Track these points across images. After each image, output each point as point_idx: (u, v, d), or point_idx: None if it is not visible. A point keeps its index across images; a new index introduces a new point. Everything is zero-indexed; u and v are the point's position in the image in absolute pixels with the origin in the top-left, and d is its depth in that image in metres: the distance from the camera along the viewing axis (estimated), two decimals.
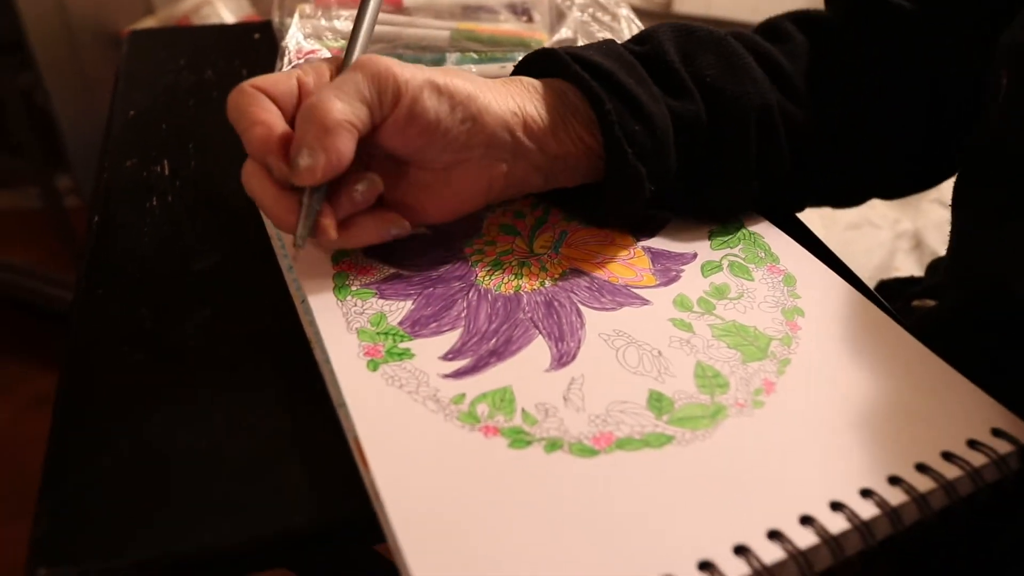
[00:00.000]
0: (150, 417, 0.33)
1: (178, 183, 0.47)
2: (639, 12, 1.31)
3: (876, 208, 0.77)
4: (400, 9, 0.62)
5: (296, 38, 0.54)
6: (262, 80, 0.35)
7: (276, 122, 0.34)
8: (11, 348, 1.42)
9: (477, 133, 0.36)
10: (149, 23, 1.10)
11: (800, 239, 0.44)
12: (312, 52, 0.54)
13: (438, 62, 0.56)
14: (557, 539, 0.27)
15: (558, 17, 0.62)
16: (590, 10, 0.62)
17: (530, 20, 0.63)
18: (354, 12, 0.59)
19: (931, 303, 0.48)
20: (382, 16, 0.60)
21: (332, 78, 0.37)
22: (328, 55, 0.55)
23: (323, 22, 0.57)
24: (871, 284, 0.68)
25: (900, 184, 0.50)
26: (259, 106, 0.34)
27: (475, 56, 0.56)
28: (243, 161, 0.36)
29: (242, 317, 0.38)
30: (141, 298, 0.39)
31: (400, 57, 0.56)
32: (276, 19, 0.62)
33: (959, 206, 0.42)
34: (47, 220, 1.24)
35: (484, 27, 0.60)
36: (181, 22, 1.08)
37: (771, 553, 0.27)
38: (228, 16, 1.09)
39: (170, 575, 0.29)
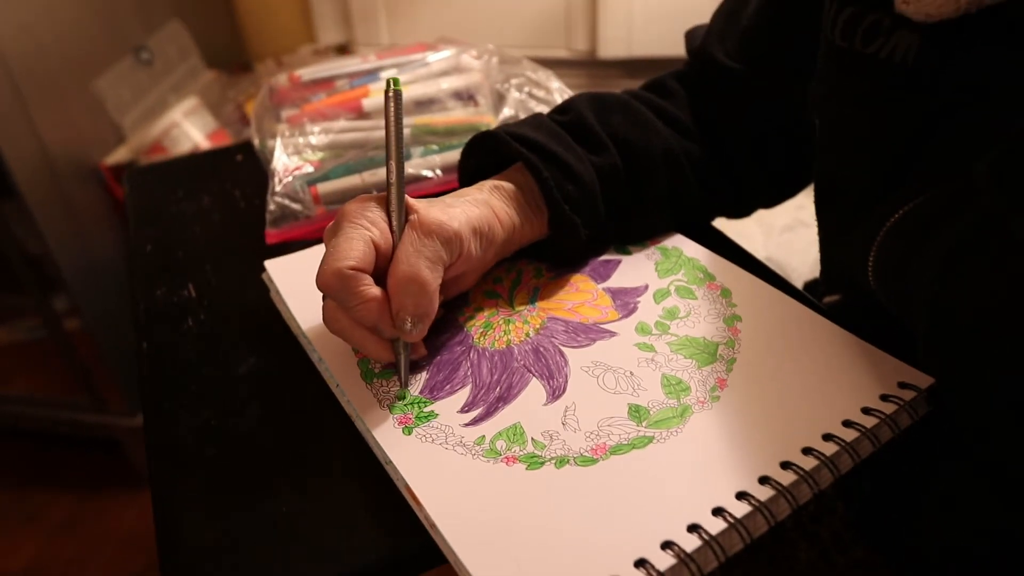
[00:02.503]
0: (236, 497, 0.41)
1: (206, 302, 0.55)
2: (567, 62, 1.42)
3: (806, 209, 0.87)
4: (361, 114, 0.71)
5: (282, 160, 0.63)
6: (352, 258, 0.40)
7: (379, 295, 0.41)
8: (31, 477, 1.47)
9: (489, 250, 0.47)
10: (123, 153, 1.19)
11: (732, 252, 0.53)
12: (298, 168, 0.63)
13: (405, 157, 0.65)
14: (577, 528, 0.35)
15: (499, 98, 0.71)
16: (526, 88, 0.71)
17: (476, 105, 0.72)
18: (324, 124, 0.68)
19: (837, 297, 0.57)
20: (348, 124, 0.69)
21: (389, 221, 0.43)
22: (311, 168, 0.64)
23: (300, 139, 0.66)
24: (813, 274, 0.77)
25: (774, 195, 0.61)
26: (363, 284, 0.41)
27: (435, 147, 0.65)
28: (254, 273, 0.44)
29: (287, 405, 0.46)
30: (202, 404, 0.47)
31: (372, 160, 0.65)
32: (256, 142, 0.70)
33: (818, 219, 0.51)
34: (47, 347, 1.30)
35: (438, 119, 0.69)
36: (154, 147, 1.16)
37: (741, 509, 0.35)
38: (197, 135, 1.18)
39: None
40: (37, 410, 1.37)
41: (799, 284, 0.64)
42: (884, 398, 0.41)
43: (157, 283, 0.58)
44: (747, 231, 0.85)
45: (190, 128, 1.17)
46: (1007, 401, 0.37)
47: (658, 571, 0.33)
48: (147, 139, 1.16)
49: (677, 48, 0.64)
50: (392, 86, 0.43)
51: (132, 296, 0.58)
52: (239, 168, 0.74)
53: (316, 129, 0.67)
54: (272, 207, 0.61)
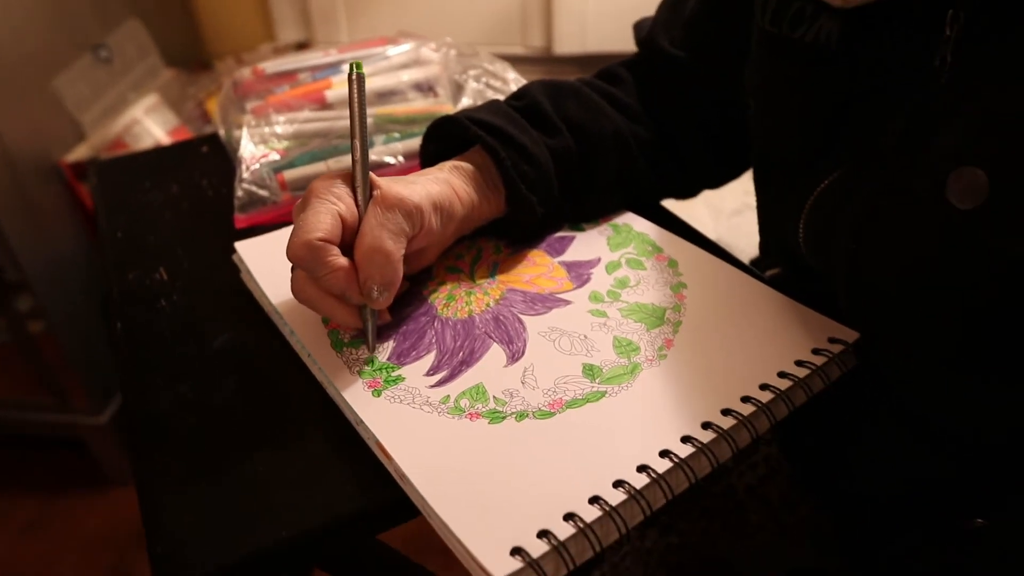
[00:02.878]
0: (215, 462, 0.43)
1: (178, 284, 0.57)
2: (524, 58, 1.46)
3: (752, 194, 0.91)
4: (325, 105, 0.73)
5: (248, 148, 0.65)
6: (320, 230, 0.43)
7: (347, 264, 0.43)
8: None
9: (449, 225, 0.49)
10: (83, 150, 1.19)
11: (682, 230, 0.57)
12: (264, 155, 0.65)
13: (368, 145, 0.68)
14: (536, 473, 0.38)
15: (458, 89, 0.74)
16: (484, 79, 0.74)
17: (435, 95, 0.75)
18: (289, 114, 0.70)
19: (777, 270, 0.61)
20: (312, 114, 0.71)
21: (354, 195, 0.45)
22: (276, 156, 0.66)
23: (266, 129, 0.68)
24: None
25: (719, 176, 0.65)
26: (331, 254, 0.43)
27: (397, 135, 0.68)
28: (225, 255, 0.46)
29: (261, 376, 0.49)
30: (178, 378, 0.49)
31: (336, 148, 0.67)
32: (223, 132, 0.72)
33: (756, 195, 0.55)
34: (11, 349, 1.30)
35: (399, 109, 0.72)
36: (116, 144, 1.17)
37: (686, 451, 0.39)
38: (158, 132, 1.18)
39: (266, 562, 0.39)
40: (1, 411, 1.37)
41: (745, 261, 0.68)
42: (815, 352, 0.44)
43: (129, 268, 0.60)
44: (697, 214, 0.89)
45: (151, 125, 1.18)
46: (922, 349, 0.41)
47: (610, 506, 0.36)
48: (108, 136, 1.17)
49: (630, 44, 0.68)
50: (355, 69, 0.45)
51: (104, 280, 0.60)
52: (205, 159, 0.76)
53: (281, 119, 0.70)
54: (240, 193, 0.63)
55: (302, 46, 1.47)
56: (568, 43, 1.40)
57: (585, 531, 0.35)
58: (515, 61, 1.48)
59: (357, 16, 1.48)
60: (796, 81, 0.46)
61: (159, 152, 0.80)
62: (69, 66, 1.19)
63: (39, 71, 1.15)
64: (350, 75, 0.45)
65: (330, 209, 0.44)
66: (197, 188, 0.70)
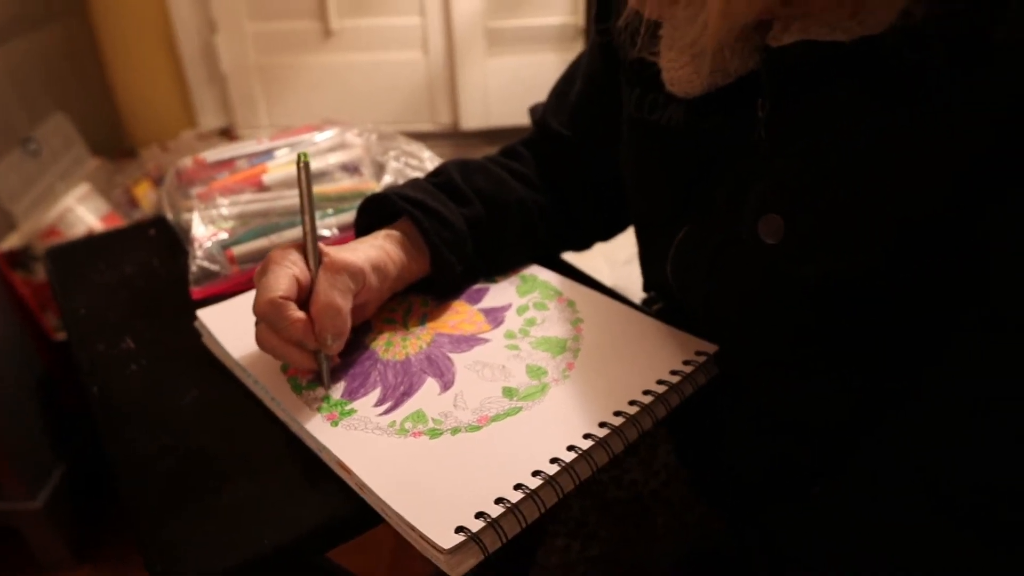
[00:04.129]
0: (196, 495, 0.51)
1: (145, 350, 0.65)
2: (434, 135, 1.58)
3: None
4: (263, 188, 0.83)
5: (199, 229, 0.74)
6: (281, 289, 0.52)
7: (304, 317, 0.53)
8: None
9: (385, 283, 0.59)
10: (15, 239, 1.24)
11: (579, 277, 0.68)
12: (214, 235, 0.74)
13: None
14: (471, 473, 0.48)
15: (379, 168, 0.85)
16: (402, 159, 0.86)
17: (361, 175, 0.86)
18: (232, 197, 0.80)
19: (660, 305, 0.73)
20: (252, 196, 0.81)
21: (307, 262, 0.55)
22: (224, 235, 0.75)
23: (212, 211, 0.77)
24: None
25: (607, 231, 0.77)
26: (291, 309, 0.53)
27: (331, 211, 0.78)
28: (184, 324, 0.56)
29: (229, 422, 0.57)
30: (155, 430, 0.56)
31: (276, 225, 0.77)
32: (171, 216, 0.81)
33: (637, 242, 0.68)
34: None
35: (329, 188, 0.82)
36: (50, 232, 1.22)
37: (587, 444, 0.49)
38: (91, 218, 1.24)
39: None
40: None
41: (637, 301, 0.80)
42: (685, 363, 0.56)
43: (96, 340, 0.67)
44: (595, 264, 1.02)
45: (84, 212, 1.24)
46: (761, 357, 0.53)
47: (531, 489, 0.46)
48: (41, 225, 1.22)
49: (527, 118, 0.80)
50: (302, 159, 0.56)
51: (74, 352, 0.67)
52: (153, 240, 0.83)
53: (226, 202, 0.79)
54: (195, 269, 0.71)
55: (225, 132, 1.55)
56: (473, 119, 1.53)
57: (512, 510, 0.45)
58: (426, 137, 1.61)
59: (275, 102, 1.58)
60: (655, 155, 0.59)
61: (110, 236, 0.88)
62: (0, 160, 1.24)
63: None
64: (298, 163, 0.56)
65: (288, 272, 0.53)
66: (149, 267, 0.78)
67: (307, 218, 0.56)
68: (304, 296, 0.55)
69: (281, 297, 0.52)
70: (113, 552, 1.42)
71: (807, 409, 0.54)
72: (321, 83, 1.56)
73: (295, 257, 0.55)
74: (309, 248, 0.56)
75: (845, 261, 0.44)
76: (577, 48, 0.70)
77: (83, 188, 1.30)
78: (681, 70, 0.51)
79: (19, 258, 1.21)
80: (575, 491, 0.49)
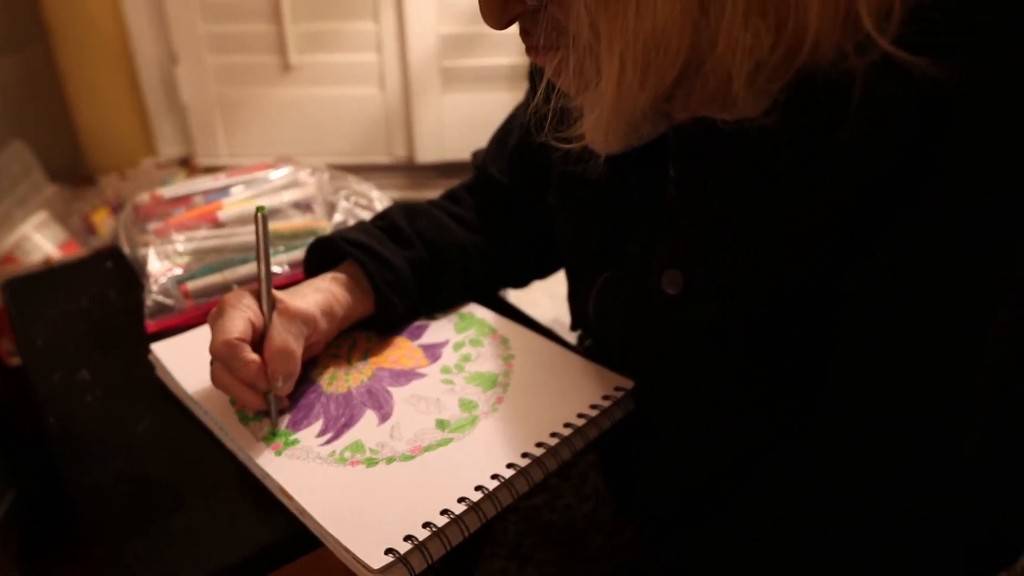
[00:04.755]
0: (152, 517, 0.55)
1: (100, 381, 0.69)
2: (389, 167, 1.63)
3: None
4: (218, 224, 0.87)
5: (155, 264, 0.78)
6: (237, 332, 0.57)
7: (258, 359, 0.57)
8: None
9: (333, 324, 0.64)
10: None
11: (514, 315, 0.74)
12: (169, 270, 0.78)
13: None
14: (403, 498, 0.52)
15: (330, 207, 0.90)
16: (352, 198, 0.90)
17: (312, 212, 0.90)
18: (188, 233, 0.83)
19: (589, 341, 0.79)
20: (207, 232, 0.85)
21: (260, 305, 0.60)
22: (179, 271, 0.79)
23: (168, 247, 0.81)
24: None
25: (542, 269, 0.83)
26: (245, 351, 0.57)
27: (282, 248, 0.82)
28: (138, 356, 0.62)
29: (181, 450, 0.61)
30: (110, 455, 0.60)
31: (230, 260, 0.81)
32: (127, 250, 0.84)
33: (567, 283, 0.73)
34: None
35: (283, 225, 0.86)
36: (6, 259, 1.24)
37: (509, 472, 0.54)
38: (48, 246, 1.26)
39: None
40: None
41: (574, 337, 0.86)
42: (605, 397, 0.62)
43: (53, 370, 0.70)
44: (536, 298, 1.07)
45: (42, 240, 1.26)
46: (668, 392, 0.59)
47: (455, 515, 0.51)
48: None
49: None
50: (259, 212, 0.60)
51: (29, 382, 0.70)
52: (110, 273, 0.87)
53: (181, 238, 0.83)
54: (150, 303, 0.75)
55: (184, 161, 1.59)
56: (428, 153, 1.59)
57: (438, 534, 0.50)
58: (382, 170, 1.66)
59: (234, 131, 1.62)
60: (578, 205, 0.64)
61: (67, 268, 0.91)
62: None
63: None
64: (256, 216, 0.60)
65: (243, 315, 0.58)
66: (105, 299, 0.82)
67: (263, 266, 0.60)
68: (257, 339, 0.59)
69: (237, 339, 0.56)
70: None
71: (712, 442, 0.59)
72: (280, 115, 1.60)
73: (249, 301, 0.59)
74: (264, 293, 0.60)
75: (731, 311, 0.49)
76: (528, 86, 0.76)
77: (40, 216, 1.32)
78: (599, 131, 0.57)
79: (3, 284, 1.23)
80: (497, 516, 0.53)
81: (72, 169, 1.60)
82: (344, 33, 1.52)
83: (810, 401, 0.50)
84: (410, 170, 1.65)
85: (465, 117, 1.57)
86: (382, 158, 1.64)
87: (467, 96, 1.55)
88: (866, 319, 0.45)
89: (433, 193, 1.64)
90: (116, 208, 1.50)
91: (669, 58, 0.38)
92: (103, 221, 1.46)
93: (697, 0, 0.36)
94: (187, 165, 1.58)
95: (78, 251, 1.32)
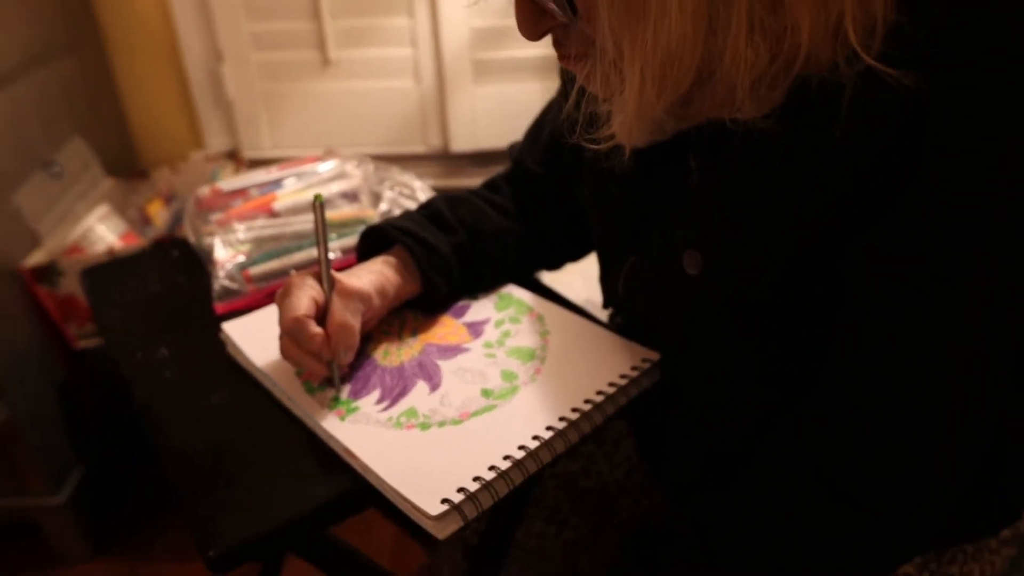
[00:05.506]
0: (229, 474, 0.62)
1: (177, 358, 0.76)
2: (424, 156, 1.70)
3: None
4: (273, 213, 0.94)
5: (221, 252, 0.85)
6: (303, 309, 0.64)
7: (322, 332, 0.64)
8: None
9: (384, 302, 0.71)
10: (40, 255, 1.34)
11: (549, 295, 0.80)
12: (233, 256, 0.85)
13: (312, 244, 0.89)
14: (455, 456, 0.59)
15: (376, 197, 0.97)
16: (396, 188, 0.97)
17: (359, 202, 0.97)
18: (247, 223, 0.91)
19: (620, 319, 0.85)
20: (265, 222, 0.92)
21: (320, 286, 0.66)
22: (242, 258, 0.86)
23: (231, 236, 0.88)
24: None
25: (576, 253, 0.88)
26: (311, 326, 0.64)
27: (335, 236, 0.89)
28: (209, 335, 0.69)
29: (254, 417, 0.68)
30: (189, 423, 0.68)
31: (287, 247, 0.88)
32: (193, 239, 0.92)
33: (599, 266, 0.79)
34: None
35: (333, 215, 0.93)
36: (73, 249, 1.33)
37: (548, 434, 0.60)
38: (111, 237, 1.35)
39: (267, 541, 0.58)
40: None
41: (606, 315, 0.92)
42: (633, 368, 0.68)
43: (134, 350, 0.78)
44: (571, 279, 1.13)
45: (105, 231, 1.35)
46: (692, 363, 0.65)
47: (501, 470, 0.57)
48: (65, 242, 1.33)
49: (514, 140, 0.91)
50: (317, 200, 0.67)
51: (112, 359, 0.78)
52: (176, 261, 0.95)
53: (242, 227, 0.90)
54: (217, 288, 0.83)
55: (231, 155, 1.66)
56: (462, 142, 1.65)
57: (487, 486, 0.56)
58: (418, 159, 1.73)
59: (278, 125, 1.70)
60: (607, 196, 0.70)
61: (137, 257, 0.99)
62: (25, 182, 1.35)
63: None
64: (314, 204, 0.67)
65: (307, 294, 0.65)
66: (175, 284, 0.90)
67: (322, 249, 0.67)
68: (320, 315, 0.66)
69: (304, 315, 0.64)
70: (128, 547, 1.52)
71: (731, 409, 0.65)
72: (320, 108, 1.67)
73: (312, 281, 0.66)
74: (324, 274, 0.67)
75: (746, 289, 0.55)
76: (557, 77, 0.81)
77: (103, 209, 1.41)
78: (624, 131, 0.63)
79: (44, 273, 1.32)
80: (538, 473, 0.60)
81: (126, 163, 1.69)
82: (380, 29, 1.59)
83: (816, 370, 0.55)
84: (445, 158, 1.71)
85: (497, 107, 1.62)
86: (418, 147, 1.70)
87: (499, 87, 1.60)
88: (860, 296, 0.50)
89: (468, 180, 1.71)
90: (168, 199, 1.59)
91: (683, 71, 0.43)
92: (157, 212, 1.54)
93: (706, 22, 0.41)
94: (234, 158, 1.66)
95: (137, 241, 1.40)
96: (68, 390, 1.45)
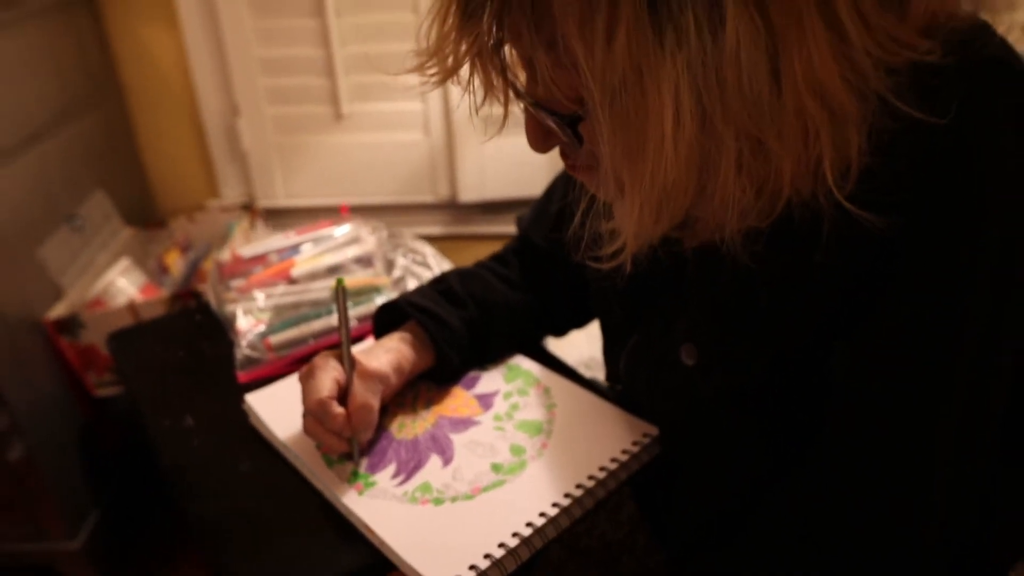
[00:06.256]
0: (256, 545, 0.66)
1: (203, 427, 0.81)
2: (433, 206, 1.75)
3: None
4: (291, 280, 0.99)
5: (242, 321, 0.90)
6: (326, 391, 0.68)
7: (344, 412, 0.69)
8: None
9: (401, 378, 0.75)
10: (62, 308, 1.39)
11: (555, 365, 0.84)
12: (255, 325, 0.90)
13: (329, 312, 0.93)
14: (467, 531, 0.63)
15: (389, 264, 1.01)
16: (409, 255, 1.02)
17: (373, 267, 1.02)
18: (266, 290, 0.96)
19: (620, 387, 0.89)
20: (284, 289, 0.97)
21: (343, 366, 0.71)
22: (263, 327, 0.91)
23: (251, 303, 0.93)
24: None
25: (580, 322, 0.93)
26: (334, 407, 0.68)
27: (351, 303, 0.94)
28: (233, 404, 0.74)
29: (278, 487, 0.72)
30: (217, 492, 0.72)
31: (306, 315, 0.93)
32: (215, 305, 0.97)
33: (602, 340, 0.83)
34: None
35: (348, 281, 0.98)
36: (95, 303, 1.38)
37: (554, 511, 0.64)
38: (132, 290, 1.40)
39: None
40: None
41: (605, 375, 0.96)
42: (634, 443, 0.72)
43: (163, 416, 0.83)
44: (576, 341, 1.18)
45: (126, 284, 1.40)
46: (687, 440, 0.69)
47: (510, 548, 0.61)
48: (87, 295, 1.38)
49: (522, 190, 0.95)
50: (339, 285, 0.72)
51: (143, 427, 0.82)
52: (200, 327, 0.99)
53: (262, 295, 0.95)
54: (240, 357, 0.87)
55: (247, 207, 1.72)
56: (470, 193, 1.70)
57: (497, 563, 0.61)
58: (427, 208, 1.78)
59: (291, 176, 1.75)
60: (609, 281, 0.75)
61: (163, 321, 1.04)
62: (49, 236, 1.41)
63: (23, 238, 1.36)
64: (337, 289, 0.72)
65: (330, 376, 0.69)
66: (200, 352, 0.94)
67: (344, 331, 0.72)
68: (341, 394, 0.70)
69: (327, 397, 0.68)
70: None
71: (727, 481, 0.69)
72: (333, 160, 1.73)
73: (334, 363, 0.71)
74: (345, 357, 0.71)
75: (739, 380, 0.60)
76: None
77: (124, 263, 1.46)
78: (625, 247, 0.67)
79: (66, 325, 1.37)
80: (544, 547, 0.64)
81: (144, 213, 1.74)
82: (391, 84, 1.65)
83: (808, 446, 0.60)
84: (453, 208, 1.76)
85: (504, 158, 1.68)
86: (427, 197, 1.76)
87: (505, 140, 1.65)
88: (846, 386, 0.55)
89: (476, 227, 1.76)
90: (185, 249, 1.64)
91: (677, 207, 0.48)
92: (174, 262, 1.59)
93: (698, 167, 0.46)
94: (249, 209, 1.71)
95: (157, 293, 1.45)
96: (86, 435, 1.50)
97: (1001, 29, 0.52)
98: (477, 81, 0.54)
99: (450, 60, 0.52)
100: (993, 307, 0.49)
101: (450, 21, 0.51)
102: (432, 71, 0.53)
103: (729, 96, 0.43)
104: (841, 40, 0.44)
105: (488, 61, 0.52)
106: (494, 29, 0.50)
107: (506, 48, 0.53)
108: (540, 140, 0.57)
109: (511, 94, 0.55)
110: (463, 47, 0.51)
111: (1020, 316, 0.50)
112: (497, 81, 0.54)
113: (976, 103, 0.46)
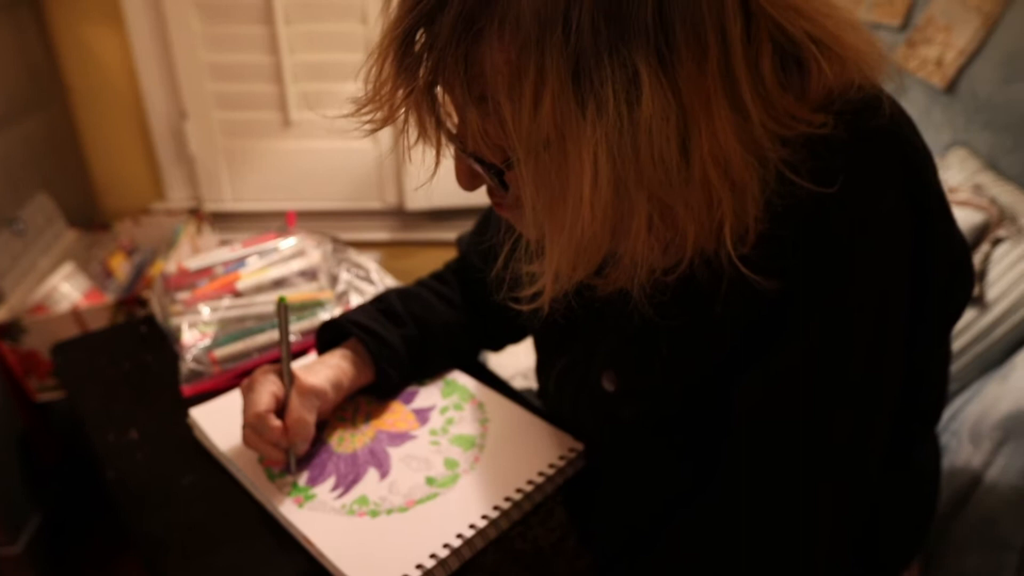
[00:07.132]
0: (199, 555, 0.69)
1: (148, 441, 0.83)
2: (381, 212, 1.78)
3: None
4: (237, 293, 1.01)
5: (187, 335, 0.92)
6: (263, 405, 0.72)
7: (280, 424, 0.72)
8: None
9: (340, 394, 0.79)
10: (3, 313, 1.38)
11: (490, 380, 0.89)
12: (200, 339, 0.92)
13: (273, 326, 0.96)
14: (400, 543, 0.67)
15: (333, 278, 1.05)
16: (353, 270, 1.05)
17: (317, 281, 1.05)
18: (212, 303, 0.98)
19: None
20: (229, 303, 0.99)
21: (281, 382, 0.74)
22: (207, 341, 0.93)
23: (196, 317, 0.95)
24: None
25: (516, 338, 0.97)
26: (271, 420, 0.72)
27: (294, 318, 0.97)
28: (177, 417, 0.76)
29: (220, 500, 0.75)
30: (163, 505, 0.74)
31: (250, 329, 0.95)
32: (160, 318, 0.99)
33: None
34: None
35: (292, 296, 1.01)
36: (37, 308, 1.38)
37: (483, 522, 0.69)
38: (75, 295, 1.40)
39: None
40: None
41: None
42: (561, 457, 0.77)
43: (107, 429, 0.85)
44: (514, 349, 1.23)
45: (70, 290, 1.40)
46: (609, 456, 0.74)
47: (440, 558, 0.66)
48: (30, 301, 1.37)
49: (466, 199, 0.97)
50: (281, 303, 0.75)
51: (87, 439, 0.84)
52: (145, 339, 1.01)
53: (207, 309, 0.97)
54: (185, 371, 0.90)
55: (193, 212, 1.72)
56: (417, 200, 1.74)
57: (428, 573, 0.65)
58: (374, 215, 1.81)
59: (238, 181, 1.76)
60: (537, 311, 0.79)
61: (108, 333, 1.05)
62: None
63: None
64: (278, 306, 0.75)
65: (268, 390, 0.73)
66: (144, 364, 0.96)
67: (284, 347, 0.75)
68: (280, 408, 0.74)
69: (265, 411, 0.71)
70: None
71: (646, 494, 0.75)
72: (281, 166, 1.74)
73: (273, 378, 0.74)
74: (285, 372, 0.75)
75: (655, 406, 0.65)
76: None
77: (68, 267, 1.45)
78: (544, 292, 0.71)
79: (7, 330, 1.37)
80: (472, 557, 0.68)
81: (89, 216, 1.73)
82: (340, 93, 1.67)
83: (716, 463, 0.65)
84: (400, 215, 1.79)
85: (450, 168, 1.71)
86: (374, 203, 1.78)
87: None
88: (747, 411, 0.60)
89: (422, 234, 1.79)
90: (130, 252, 1.64)
91: (591, 261, 0.53)
92: (119, 265, 1.59)
93: (612, 225, 0.51)
94: (195, 214, 1.72)
95: (101, 299, 1.45)
96: (25, 440, 1.49)
97: (912, 65, 0.58)
98: (412, 123, 0.58)
99: (386, 107, 0.55)
100: (866, 363, 0.56)
101: (387, 70, 0.54)
102: (367, 117, 0.57)
103: (643, 164, 0.48)
104: (744, 120, 0.49)
105: (422, 109, 0.56)
106: (429, 80, 0.54)
107: (439, 90, 0.57)
108: (468, 180, 0.61)
109: (443, 138, 0.59)
110: (399, 94, 0.55)
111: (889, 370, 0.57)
112: (430, 126, 0.57)
113: (859, 174, 0.52)
